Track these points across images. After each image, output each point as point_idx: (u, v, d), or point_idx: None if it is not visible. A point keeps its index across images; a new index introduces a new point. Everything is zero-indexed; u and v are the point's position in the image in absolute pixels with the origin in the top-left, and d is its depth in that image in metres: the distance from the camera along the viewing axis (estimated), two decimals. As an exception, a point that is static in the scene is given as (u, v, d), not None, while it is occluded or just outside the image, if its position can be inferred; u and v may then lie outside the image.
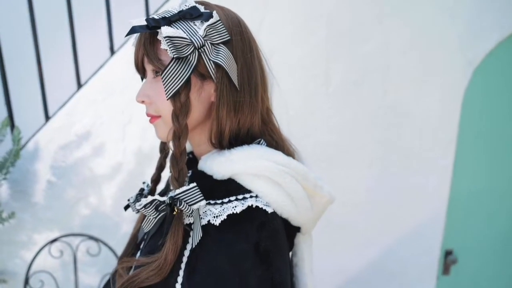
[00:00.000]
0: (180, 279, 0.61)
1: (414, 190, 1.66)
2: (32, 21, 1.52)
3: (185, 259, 0.62)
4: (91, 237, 1.58)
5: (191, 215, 0.62)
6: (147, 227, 0.68)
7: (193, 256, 0.61)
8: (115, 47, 1.60)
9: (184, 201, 0.60)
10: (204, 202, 0.61)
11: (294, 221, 0.68)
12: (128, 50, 1.55)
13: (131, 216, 1.69)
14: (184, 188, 0.61)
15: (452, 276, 1.77)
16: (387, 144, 1.62)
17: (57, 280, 1.63)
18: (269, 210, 0.61)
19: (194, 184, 0.61)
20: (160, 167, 0.80)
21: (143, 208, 0.63)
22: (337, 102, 1.57)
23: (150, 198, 0.62)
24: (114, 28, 1.60)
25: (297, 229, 0.73)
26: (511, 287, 1.82)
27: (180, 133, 0.63)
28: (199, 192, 0.61)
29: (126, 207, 0.74)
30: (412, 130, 1.61)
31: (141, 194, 0.76)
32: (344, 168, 1.63)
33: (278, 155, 0.66)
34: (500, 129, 1.62)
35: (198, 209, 0.61)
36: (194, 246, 0.60)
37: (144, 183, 0.79)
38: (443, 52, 1.54)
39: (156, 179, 0.80)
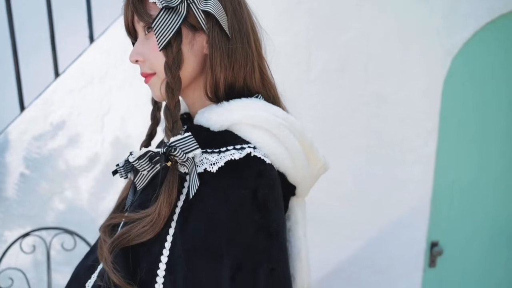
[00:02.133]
0: (172, 231, 0.59)
1: (398, 181, 1.65)
2: (8, 8, 1.48)
3: (178, 210, 0.60)
4: (66, 231, 1.51)
5: (186, 164, 0.59)
6: (140, 184, 0.65)
7: (187, 206, 0.59)
8: (95, 36, 1.57)
9: (180, 149, 0.58)
10: (199, 150, 0.59)
11: (291, 177, 0.66)
12: (107, 39, 1.52)
13: (109, 210, 1.62)
14: (179, 136, 0.60)
15: (438, 268, 1.74)
16: (370, 133, 1.61)
17: (28, 279, 1.53)
18: (267, 160, 0.60)
19: (189, 133, 0.60)
20: (151, 135, 0.78)
21: (136, 161, 0.61)
22: (319, 90, 1.57)
23: (144, 150, 0.61)
24: (93, 16, 1.58)
25: (292, 191, 0.71)
26: (497, 277, 1.81)
27: (173, 84, 0.62)
28: (194, 141, 0.60)
29: (114, 172, 0.72)
30: (394, 119, 1.61)
31: (128, 161, 0.74)
32: (328, 158, 1.61)
33: (276, 108, 0.65)
34: (480, 117, 1.64)
35: (193, 158, 0.60)
36: (191, 196, 0.58)
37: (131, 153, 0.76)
38: (422, 42, 1.56)
39: (147, 145, 0.77)
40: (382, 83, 1.58)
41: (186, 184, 0.62)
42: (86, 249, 1.53)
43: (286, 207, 0.72)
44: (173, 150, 0.58)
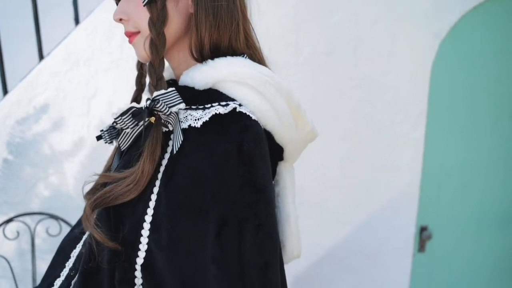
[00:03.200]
0: (156, 189, 0.57)
1: (386, 165, 1.65)
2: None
3: (162, 169, 0.58)
4: (51, 216, 1.48)
5: (169, 119, 0.58)
6: (123, 144, 0.64)
7: (171, 163, 0.58)
8: (80, 18, 1.54)
9: (163, 102, 0.57)
10: (183, 105, 0.58)
11: (278, 137, 0.65)
12: (93, 20, 1.49)
13: (95, 196, 1.59)
14: (163, 91, 0.58)
15: (427, 253, 1.75)
16: (359, 117, 1.61)
17: (12, 268, 1.50)
18: (253, 117, 0.59)
19: (173, 88, 0.59)
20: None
21: (119, 118, 0.59)
22: (307, 73, 1.56)
23: (127, 106, 0.59)
24: (79, -2, 1.56)
25: (280, 155, 0.69)
26: (486, 261, 1.82)
27: (157, 41, 0.61)
28: (178, 96, 0.58)
29: (99, 138, 0.71)
30: (383, 103, 1.61)
31: (113, 127, 0.73)
32: (317, 142, 1.60)
33: (262, 67, 0.64)
34: (469, 101, 1.65)
35: (177, 114, 0.58)
36: (175, 151, 0.56)
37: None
38: (410, 25, 1.57)
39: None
40: (371, 66, 1.59)
41: (170, 143, 0.60)
42: (72, 234, 1.50)
43: (274, 172, 0.70)
44: (156, 104, 0.57)
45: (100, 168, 1.53)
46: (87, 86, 1.52)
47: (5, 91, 1.53)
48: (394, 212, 1.68)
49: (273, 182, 0.70)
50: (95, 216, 0.59)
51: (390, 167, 1.65)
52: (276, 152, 0.67)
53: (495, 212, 1.78)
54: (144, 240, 0.57)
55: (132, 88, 1.55)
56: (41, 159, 1.54)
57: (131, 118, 0.60)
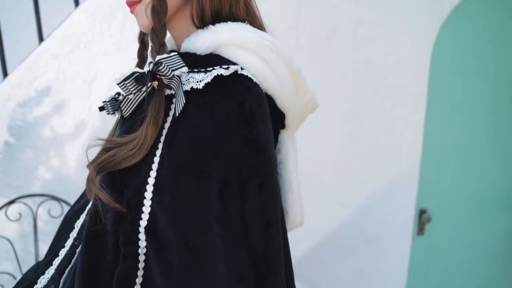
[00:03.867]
0: (159, 152, 0.58)
1: (386, 148, 1.66)
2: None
3: (165, 132, 0.59)
4: (53, 197, 1.48)
5: (172, 82, 0.58)
6: (126, 110, 0.64)
7: (173, 126, 0.58)
8: (80, 0, 1.54)
9: (166, 65, 0.57)
10: (186, 68, 0.58)
11: (279, 101, 0.65)
12: (92, 2, 1.49)
13: (97, 179, 1.60)
14: (165, 55, 0.59)
15: (426, 236, 1.76)
16: (359, 100, 1.62)
17: (15, 247, 1.51)
18: (254, 79, 0.59)
19: (175, 52, 0.59)
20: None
21: (122, 83, 0.59)
22: (308, 56, 1.56)
23: (130, 71, 0.59)
24: (78, -20, 1.55)
25: (282, 123, 0.70)
26: (485, 243, 1.83)
27: (159, 7, 0.61)
28: (181, 60, 0.59)
29: (101, 108, 0.72)
30: (383, 86, 1.61)
31: (116, 98, 0.73)
32: (317, 125, 1.61)
33: (263, 33, 0.64)
34: (469, 83, 1.66)
35: (179, 77, 0.59)
36: (177, 114, 0.57)
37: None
38: (411, 8, 1.57)
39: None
40: (371, 50, 1.59)
41: (173, 106, 0.61)
42: (74, 216, 1.51)
43: (276, 140, 0.71)
44: (159, 67, 0.57)
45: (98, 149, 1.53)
46: (88, 69, 1.52)
47: (5, 74, 1.53)
48: (393, 195, 1.69)
49: (275, 150, 0.70)
50: (99, 179, 0.59)
51: (390, 150, 1.66)
52: (277, 119, 0.67)
53: (494, 194, 1.79)
54: (147, 202, 0.58)
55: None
56: (42, 142, 1.54)
57: (134, 83, 0.60)
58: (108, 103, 0.71)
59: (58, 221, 1.52)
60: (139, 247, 0.59)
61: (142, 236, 0.58)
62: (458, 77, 1.65)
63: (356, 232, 1.71)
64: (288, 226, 0.71)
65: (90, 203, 0.71)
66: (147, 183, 0.58)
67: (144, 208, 0.58)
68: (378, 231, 1.72)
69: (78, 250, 0.71)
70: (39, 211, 1.53)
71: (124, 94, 0.63)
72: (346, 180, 1.67)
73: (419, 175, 1.69)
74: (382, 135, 1.64)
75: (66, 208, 1.52)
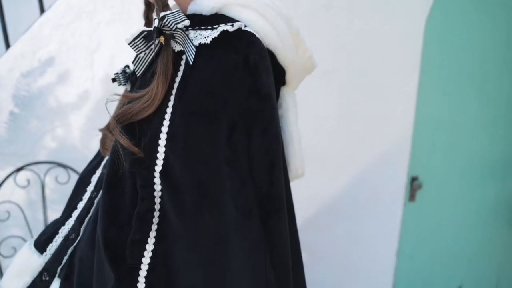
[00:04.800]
0: (171, 103, 0.63)
1: (380, 118, 1.71)
2: None
3: (176, 85, 0.64)
4: (60, 164, 1.54)
5: (177, 36, 0.63)
6: (138, 68, 0.68)
7: (184, 79, 0.63)
8: (80, -29, 1.55)
9: (169, 19, 0.62)
10: (188, 21, 0.63)
11: (280, 57, 0.69)
12: (94, -27, 1.51)
13: (101, 148, 1.65)
14: (169, 11, 0.63)
15: (417, 203, 1.85)
16: (355, 70, 1.66)
17: (24, 212, 1.57)
18: (257, 35, 0.64)
19: (178, 9, 0.64)
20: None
21: (132, 42, 0.64)
22: (305, 27, 1.59)
23: (138, 30, 0.64)
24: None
25: (282, 79, 0.74)
26: (474, 211, 1.92)
27: None
28: (183, 15, 0.63)
29: (113, 80, 0.76)
30: (377, 56, 1.66)
31: (125, 71, 0.78)
32: (314, 95, 1.66)
33: None
34: (462, 55, 1.71)
35: (184, 32, 0.63)
36: (191, 61, 0.61)
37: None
38: (406, -20, 1.60)
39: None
40: (366, 21, 1.62)
41: (182, 62, 0.65)
42: (80, 182, 1.56)
43: (277, 95, 0.76)
44: (163, 21, 0.62)
45: (105, 120, 1.58)
46: (90, 39, 1.55)
47: (8, 45, 1.56)
48: (386, 163, 1.76)
49: (275, 93, 0.75)
50: (119, 128, 0.65)
51: (384, 119, 1.72)
52: (278, 75, 0.72)
53: (483, 163, 1.87)
54: (161, 149, 0.63)
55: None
56: (47, 111, 1.58)
57: (143, 41, 0.64)
58: (120, 75, 0.76)
59: (65, 188, 1.58)
60: (154, 190, 0.65)
61: (157, 180, 0.64)
62: (450, 49, 1.70)
63: (350, 198, 1.78)
64: (290, 176, 0.77)
65: (107, 157, 0.77)
66: (161, 132, 0.63)
67: (158, 155, 0.63)
68: (372, 197, 1.79)
69: (96, 200, 0.77)
70: (46, 179, 1.59)
71: (135, 53, 0.68)
72: (342, 148, 1.73)
73: (411, 144, 1.76)
74: (376, 105, 1.70)
75: (73, 175, 1.57)
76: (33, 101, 1.56)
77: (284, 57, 0.69)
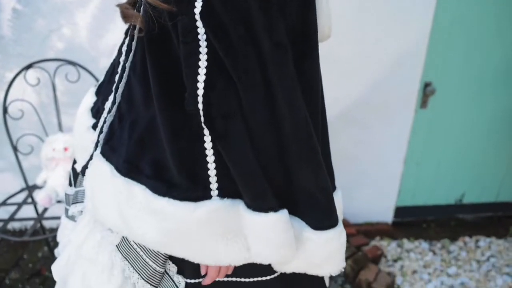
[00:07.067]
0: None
1: (397, 22, 1.65)
2: None
3: None
4: (69, 62, 1.51)
5: None
6: None
7: None
8: None
9: None
10: None
11: None
12: None
13: (109, 49, 1.61)
14: None
15: (429, 109, 1.84)
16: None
17: (36, 108, 1.57)
18: None
19: None
20: None
21: None
22: None
23: None
24: None
25: None
26: (485, 120, 1.92)
27: None
28: None
29: None
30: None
31: None
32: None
33: None
34: None
35: None
36: None
37: None
38: None
39: None
40: None
41: None
42: (91, 80, 1.55)
43: None
44: None
45: (111, 21, 1.53)
46: None
47: None
48: (400, 67, 1.73)
49: None
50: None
51: (400, 24, 1.65)
52: None
53: (497, 71, 1.83)
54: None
55: None
56: (52, 9, 1.52)
57: None
58: None
59: (76, 86, 1.57)
60: (198, 33, 0.63)
61: (199, 23, 0.62)
62: None
63: (362, 102, 1.77)
64: (318, 36, 0.75)
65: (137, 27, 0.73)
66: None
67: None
68: (383, 103, 1.78)
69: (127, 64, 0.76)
70: (56, 79, 1.57)
71: None
72: (356, 52, 1.69)
73: (427, 49, 1.71)
74: (393, 10, 1.62)
75: (83, 72, 1.55)
76: (36, -4, 1.50)
77: None
